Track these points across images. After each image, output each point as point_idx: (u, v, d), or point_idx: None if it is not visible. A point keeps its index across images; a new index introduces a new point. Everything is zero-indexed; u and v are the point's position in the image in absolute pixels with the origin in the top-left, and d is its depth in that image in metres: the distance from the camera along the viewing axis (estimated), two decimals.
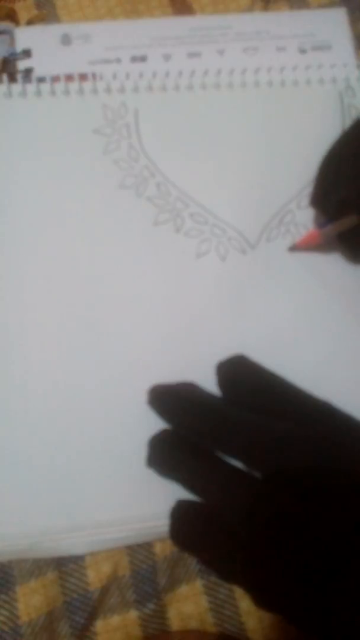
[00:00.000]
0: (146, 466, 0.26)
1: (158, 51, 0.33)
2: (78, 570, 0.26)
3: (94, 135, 0.30)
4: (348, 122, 0.31)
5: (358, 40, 0.33)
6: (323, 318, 0.29)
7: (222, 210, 0.30)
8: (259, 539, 0.21)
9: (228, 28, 0.33)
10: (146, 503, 0.26)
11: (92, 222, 0.29)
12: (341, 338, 0.28)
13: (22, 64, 0.32)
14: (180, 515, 0.24)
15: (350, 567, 0.20)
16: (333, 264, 0.29)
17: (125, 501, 0.26)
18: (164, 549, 0.27)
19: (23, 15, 0.33)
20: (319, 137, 0.29)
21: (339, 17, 0.34)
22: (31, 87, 0.30)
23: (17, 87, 0.30)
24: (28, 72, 0.32)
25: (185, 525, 0.24)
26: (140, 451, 0.25)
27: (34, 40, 0.32)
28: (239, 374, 0.26)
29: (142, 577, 0.26)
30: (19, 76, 0.32)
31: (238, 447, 0.23)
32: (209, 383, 0.26)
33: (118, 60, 0.32)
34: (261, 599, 0.22)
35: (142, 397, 0.26)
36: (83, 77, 0.31)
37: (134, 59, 0.32)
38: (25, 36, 0.32)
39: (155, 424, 0.25)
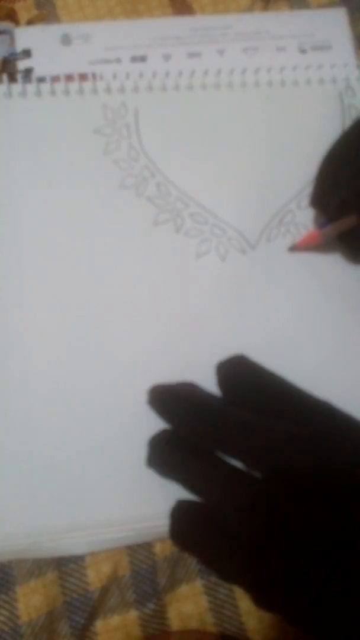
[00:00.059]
0: (146, 466, 0.26)
1: (158, 51, 0.33)
2: (78, 570, 0.26)
3: (94, 135, 0.30)
4: (348, 122, 0.31)
5: (358, 40, 0.33)
6: (323, 318, 0.29)
7: (222, 210, 0.30)
8: (259, 539, 0.21)
9: (228, 28, 0.33)
10: (146, 503, 0.26)
11: (92, 222, 0.29)
12: (341, 338, 0.28)
13: (22, 64, 0.32)
14: (180, 515, 0.24)
15: (349, 567, 0.20)
16: (333, 264, 0.29)
17: (125, 501, 0.26)
18: (164, 549, 0.27)
19: (23, 15, 0.33)
20: (319, 137, 0.29)
21: (339, 17, 0.34)
22: (31, 87, 0.30)
23: (17, 87, 0.30)
24: (28, 72, 0.32)
25: (185, 525, 0.24)
26: (140, 451, 0.25)
27: (34, 40, 0.32)
28: (239, 374, 0.26)
29: (142, 577, 0.26)
30: (19, 76, 0.32)
31: (238, 447, 0.23)
32: (209, 383, 0.26)
33: (118, 60, 0.32)
34: (261, 599, 0.22)
35: (142, 397, 0.26)
36: (83, 77, 0.31)
37: (134, 59, 0.32)
38: (25, 36, 0.32)
39: (155, 424, 0.25)
